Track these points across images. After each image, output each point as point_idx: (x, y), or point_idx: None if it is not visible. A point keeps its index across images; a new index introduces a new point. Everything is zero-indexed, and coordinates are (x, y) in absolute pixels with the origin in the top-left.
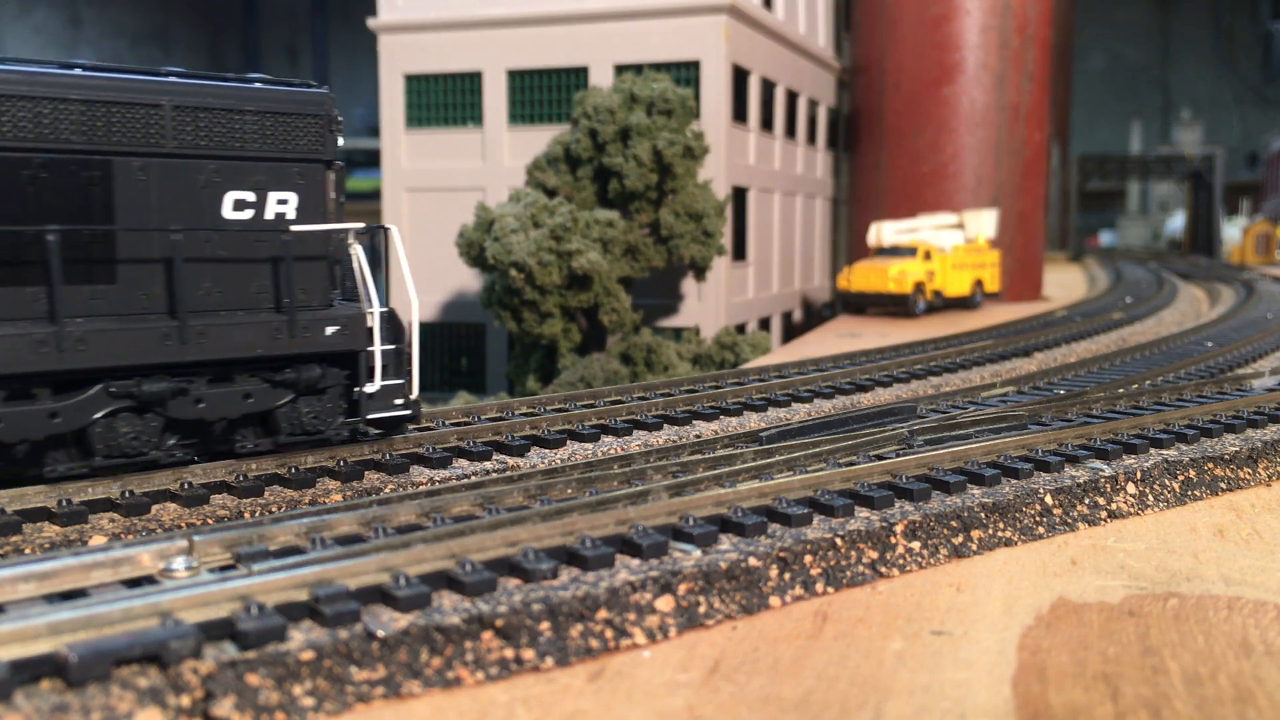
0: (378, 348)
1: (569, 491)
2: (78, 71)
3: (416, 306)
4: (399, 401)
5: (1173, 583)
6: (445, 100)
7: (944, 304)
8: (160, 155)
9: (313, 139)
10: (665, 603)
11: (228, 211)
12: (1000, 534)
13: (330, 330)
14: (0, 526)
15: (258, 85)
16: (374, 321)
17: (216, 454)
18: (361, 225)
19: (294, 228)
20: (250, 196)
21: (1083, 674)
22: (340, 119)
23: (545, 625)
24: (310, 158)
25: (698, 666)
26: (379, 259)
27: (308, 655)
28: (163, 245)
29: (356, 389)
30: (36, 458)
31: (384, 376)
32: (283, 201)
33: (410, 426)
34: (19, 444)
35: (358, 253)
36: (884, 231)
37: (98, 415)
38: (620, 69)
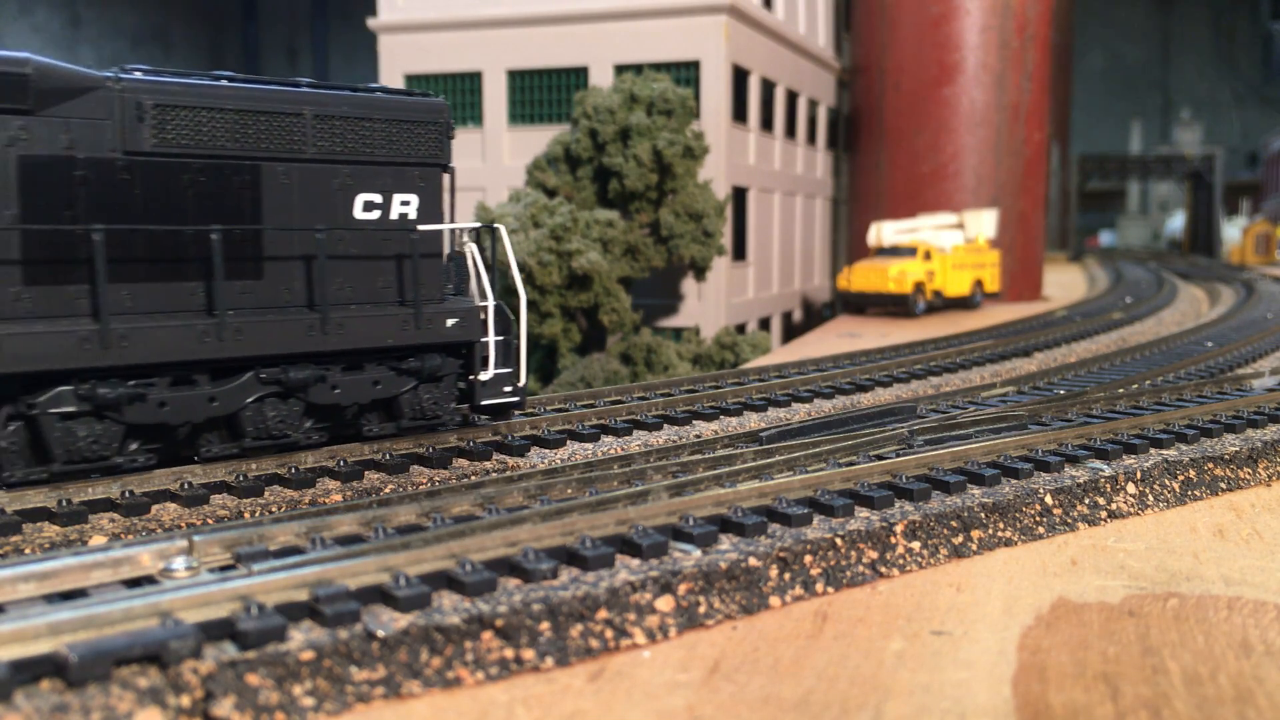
0: (491, 339)
1: (569, 491)
2: (224, 83)
3: (525, 300)
4: (508, 389)
5: (1173, 583)
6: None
7: (944, 304)
8: (301, 160)
9: (432, 145)
10: (665, 603)
11: (358, 212)
12: (1000, 534)
13: (451, 322)
14: (0, 526)
15: (380, 95)
16: (488, 314)
17: (346, 437)
18: (477, 225)
19: (421, 227)
20: (378, 198)
21: (1083, 674)
22: (454, 126)
23: (545, 625)
24: (429, 162)
25: (698, 666)
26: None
27: (308, 655)
28: (304, 243)
29: (471, 377)
30: (193, 440)
31: (495, 366)
32: (405, 203)
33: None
34: (182, 426)
35: (472, 250)
36: (884, 231)
37: (249, 400)
38: (620, 69)
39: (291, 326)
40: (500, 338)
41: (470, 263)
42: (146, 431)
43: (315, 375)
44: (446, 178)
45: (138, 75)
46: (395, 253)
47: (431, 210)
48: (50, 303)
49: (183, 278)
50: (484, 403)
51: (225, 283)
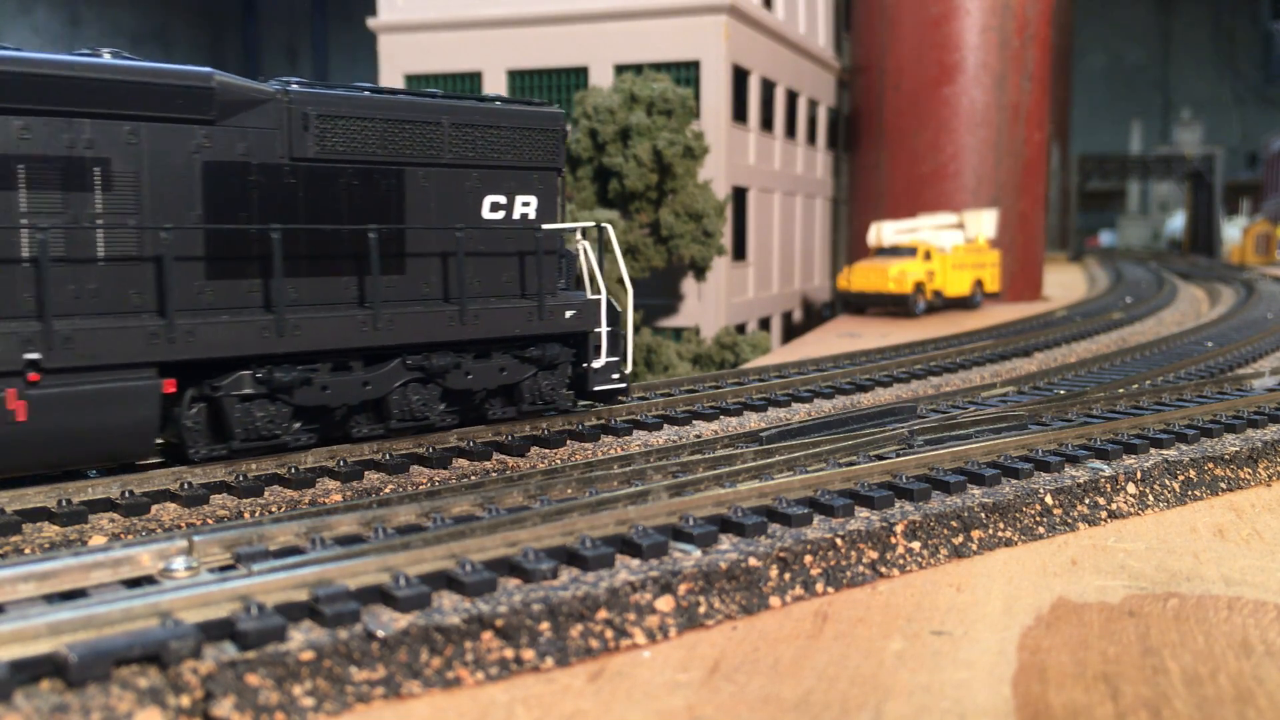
0: (604, 329)
1: (569, 491)
2: (374, 94)
3: (631, 293)
4: (615, 376)
5: (1173, 583)
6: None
7: (944, 304)
8: (438, 165)
9: (549, 150)
10: (665, 603)
11: (486, 213)
12: (1000, 534)
13: (569, 314)
14: (0, 526)
15: (502, 105)
16: (600, 306)
17: (473, 420)
18: (590, 224)
19: (545, 226)
20: (503, 200)
21: (1083, 674)
22: (568, 133)
23: (545, 625)
24: (547, 166)
25: (698, 666)
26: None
27: (307, 655)
28: (442, 241)
29: (584, 365)
30: (345, 421)
31: (605, 354)
32: (526, 204)
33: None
34: (339, 407)
35: (585, 248)
36: (884, 231)
37: (396, 384)
38: (620, 69)
39: (435, 318)
40: (609, 328)
41: (582, 258)
42: (309, 413)
43: (453, 362)
44: (560, 180)
45: (301, 88)
46: (517, 249)
47: (548, 210)
48: (228, 295)
49: (339, 273)
50: (596, 389)
51: (386, 278)
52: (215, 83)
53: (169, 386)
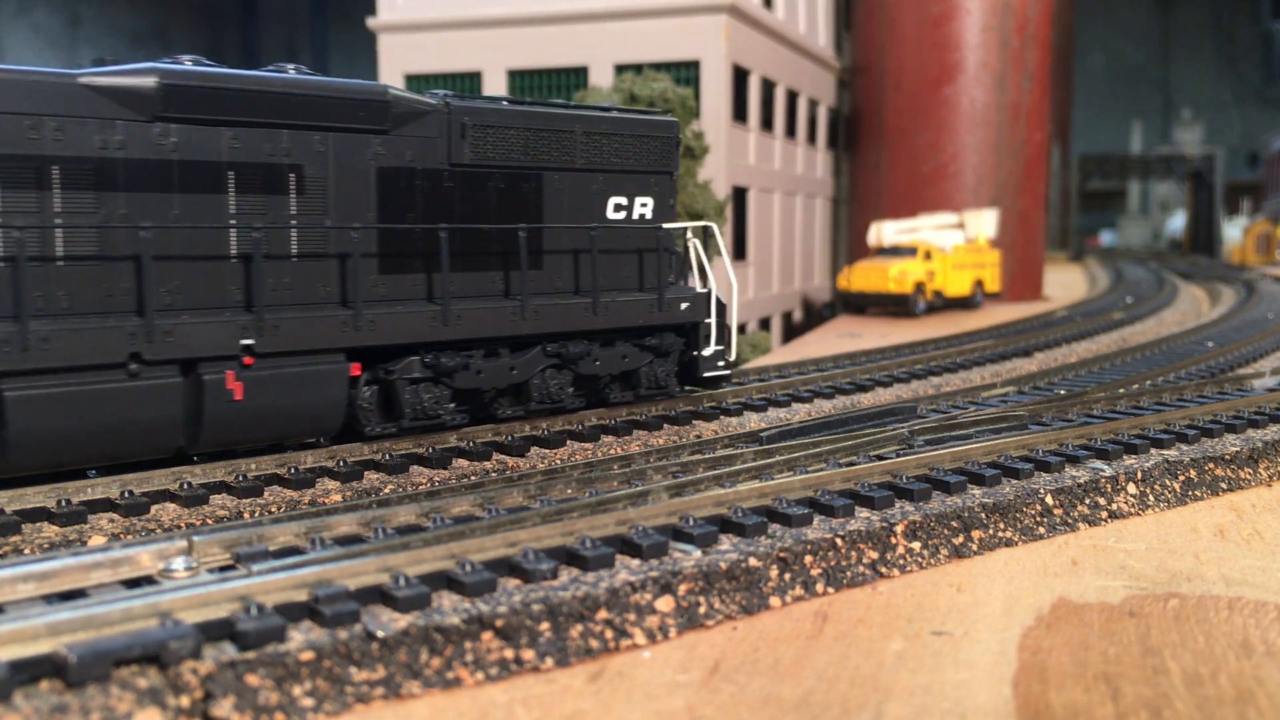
0: (713, 320)
1: (569, 491)
2: (519, 106)
3: (736, 287)
4: (721, 364)
5: (1173, 583)
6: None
7: (944, 304)
8: (571, 170)
9: (664, 155)
10: (665, 603)
11: (609, 213)
12: (1001, 534)
13: (684, 306)
14: (0, 526)
15: (622, 114)
16: (710, 299)
17: (597, 403)
18: (700, 224)
19: (665, 225)
20: (624, 201)
21: (1083, 674)
22: (680, 139)
23: (545, 626)
24: (662, 170)
25: (698, 667)
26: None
27: (307, 656)
28: (573, 239)
29: (694, 353)
30: (491, 404)
31: (713, 343)
32: (644, 205)
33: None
34: (489, 390)
35: (695, 245)
36: (884, 231)
37: (536, 370)
38: (620, 68)
39: (571, 309)
40: (716, 319)
41: (693, 255)
42: (464, 395)
43: (585, 350)
44: (673, 183)
45: (459, 101)
46: (637, 247)
47: (663, 211)
48: (397, 288)
49: (489, 268)
50: (705, 375)
51: (518, 273)
52: (390, 96)
53: (355, 370)
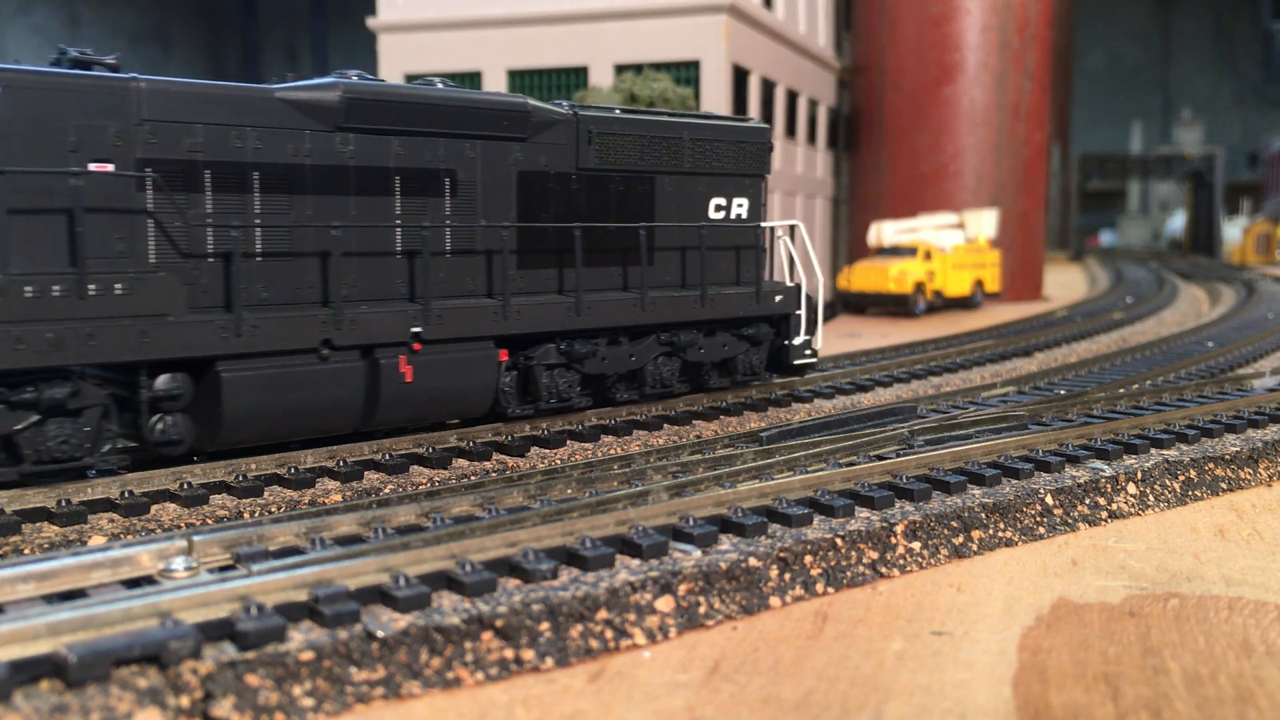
0: (803, 312)
1: (569, 491)
2: (628, 114)
3: (821, 281)
4: (808, 352)
5: (1173, 583)
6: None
7: (944, 304)
8: (679, 173)
9: (758, 159)
10: (665, 603)
11: (711, 213)
12: (1001, 534)
13: (778, 298)
14: (0, 526)
15: (721, 121)
16: (801, 293)
17: (698, 389)
18: (789, 223)
19: (764, 224)
20: (723, 201)
21: (1083, 674)
22: (772, 145)
23: (545, 626)
24: (756, 173)
25: (698, 667)
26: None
27: (307, 656)
28: (682, 236)
29: (786, 342)
30: (610, 388)
31: (802, 333)
32: (740, 205)
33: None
34: (611, 376)
35: (787, 243)
36: (884, 231)
37: (651, 357)
38: (620, 68)
39: (683, 301)
40: (805, 311)
41: (783, 252)
42: (590, 380)
43: (693, 339)
44: (764, 185)
45: (584, 110)
46: (734, 244)
47: (756, 211)
48: (533, 282)
49: (610, 263)
50: (796, 362)
51: (635, 268)
52: (530, 107)
53: (503, 355)
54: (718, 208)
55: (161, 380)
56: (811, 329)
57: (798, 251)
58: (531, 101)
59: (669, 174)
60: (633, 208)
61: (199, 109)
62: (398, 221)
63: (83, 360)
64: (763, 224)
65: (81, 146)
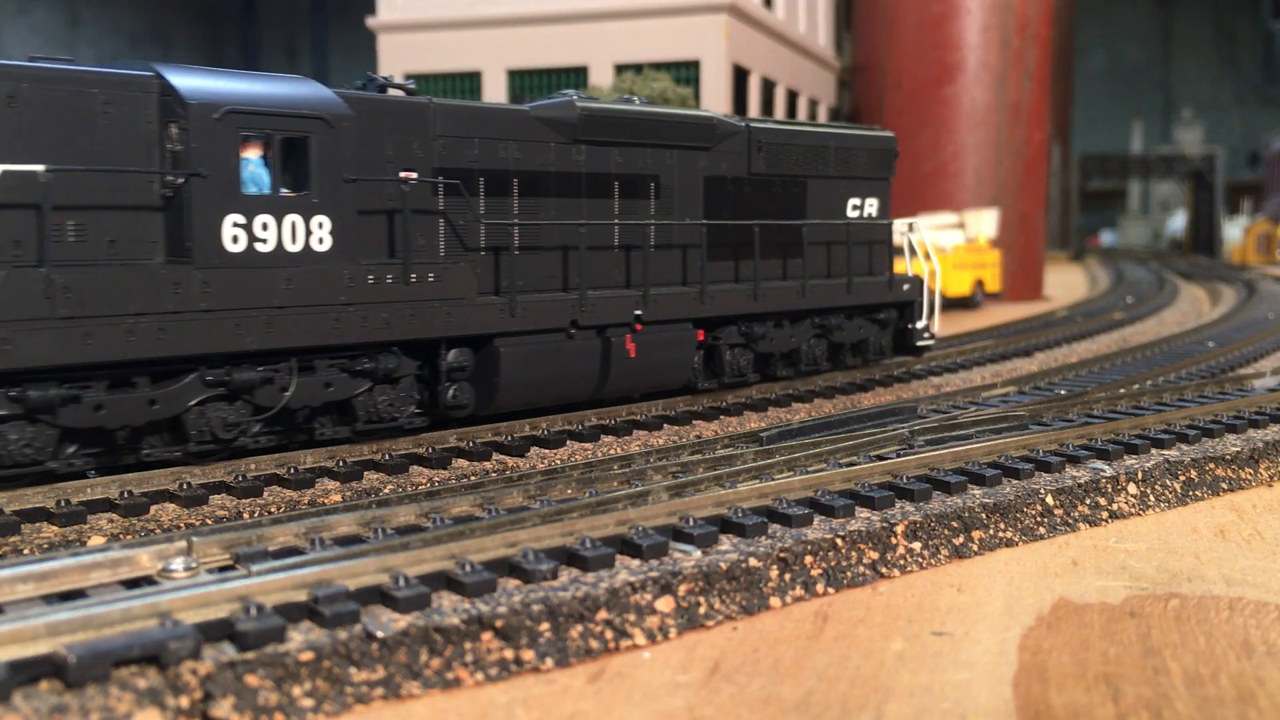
0: (925, 300)
1: (569, 491)
2: (782, 125)
3: (939, 273)
4: (927, 335)
5: (1174, 583)
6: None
7: (945, 304)
8: (823, 177)
9: (885, 164)
10: (665, 603)
11: (848, 212)
12: (1001, 534)
13: (905, 287)
14: (0, 526)
15: (852, 130)
16: (923, 282)
17: (838, 367)
18: (909, 220)
19: (896, 221)
20: (858, 202)
21: (1084, 675)
22: (897, 151)
23: (545, 626)
24: (883, 176)
25: (698, 667)
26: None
27: (307, 656)
28: (828, 232)
29: (909, 325)
30: (773, 365)
31: (924, 318)
32: (871, 204)
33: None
34: (774, 355)
35: (910, 237)
36: None
37: (806, 338)
38: (620, 68)
39: (833, 288)
40: (926, 298)
41: (906, 245)
42: (759, 358)
43: (840, 322)
44: (888, 186)
45: (754, 123)
46: (867, 239)
47: (884, 209)
48: (715, 272)
49: (772, 255)
50: (917, 344)
51: (797, 260)
52: (715, 121)
53: (700, 335)
54: (854, 207)
55: (453, 354)
56: (930, 315)
57: (917, 245)
58: (717, 115)
59: (817, 178)
60: (790, 207)
61: (476, 125)
62: (616, 220)
63: (405, 336)
64: (897, 222)
65: (395, 158)
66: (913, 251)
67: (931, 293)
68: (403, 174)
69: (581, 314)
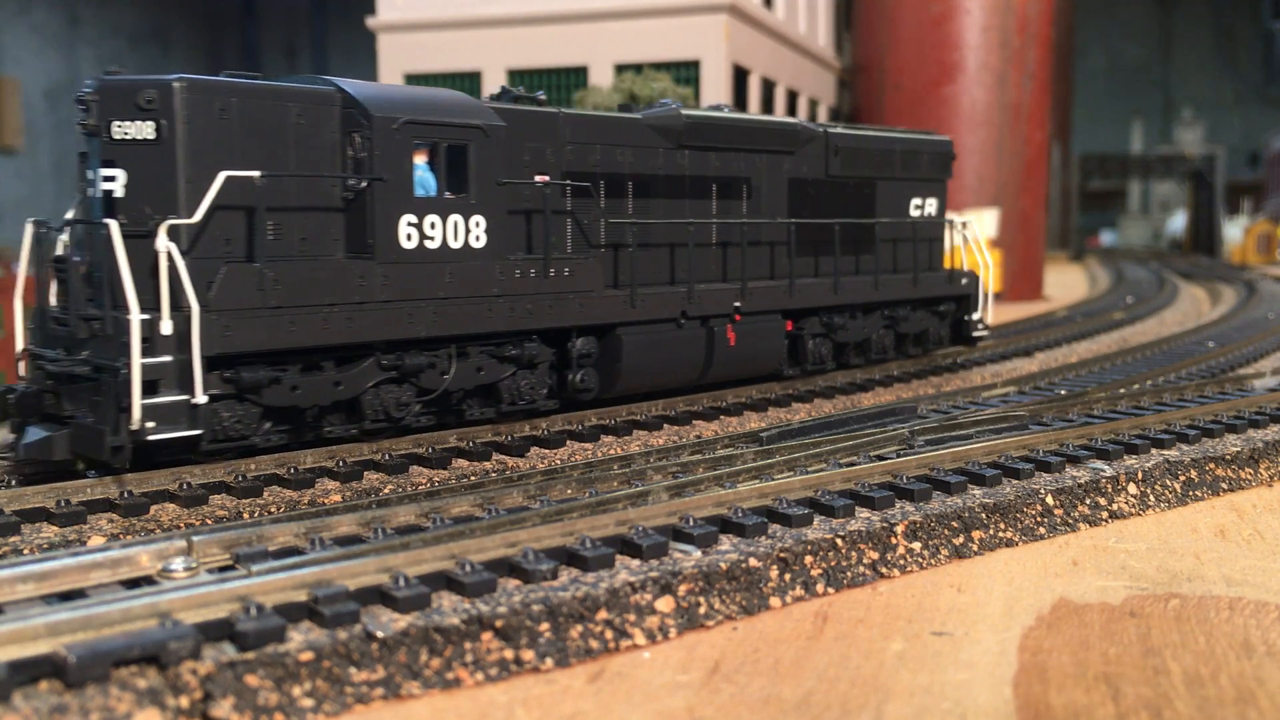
0: (980, 293)
1: (569, 491)
2: (853, 130)
3: (992, 265)
4: (982, 326)
5: (1174, 583)
6: None
7: None
8: (889, 179)
9: (943, 166)
10: (665, 603)
11: (910, 211)
12: (1001, 534)
13: (964, 281)
14: (0, 526)
15: (909, 135)
16: (978, 277)
17: (902, 355)
18: (964, 219)
19: (955, 220)
20: (920, 201)
21: (1084, 675)
22: (954, 154)
23: (545, 626)
24: (940, 178)
25: (698, 667)
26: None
27: (307, 656)
28: (894, 230)
29: (966, 317)
30: (846, 354)
31: (978, 311)
32: (930, 204)
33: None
34: (849, 344)
35: (965, 234)
36: None
37: (875, 329)
38: (620, 68)
39: (901, 282)
40: (981, 292)
41: (962, 241)
42: (837, 347)
43: (907, 314)
44: (945, 187)
45: (829, 129)
46: (927, 237)
47: (942, 208)
48: (800, 268)
49: (846, 251)
50: (973, 335)
51: (869, 255)
52: (798, 127)
53: (789, 326)
54: (916, 206)
55: (581, 341)
56: (984, 307)
57: (972, 242)
58: (798, 121)
59: (885, 179)
60: (861, 207)
61: (597, 132)
62: (714, 219)
63: (546, 325)
64: (956, 219)
65: (532, 163)
66: (971, 250)
67: (985, 287)
68: (537, 178)
69: (690, 305)
